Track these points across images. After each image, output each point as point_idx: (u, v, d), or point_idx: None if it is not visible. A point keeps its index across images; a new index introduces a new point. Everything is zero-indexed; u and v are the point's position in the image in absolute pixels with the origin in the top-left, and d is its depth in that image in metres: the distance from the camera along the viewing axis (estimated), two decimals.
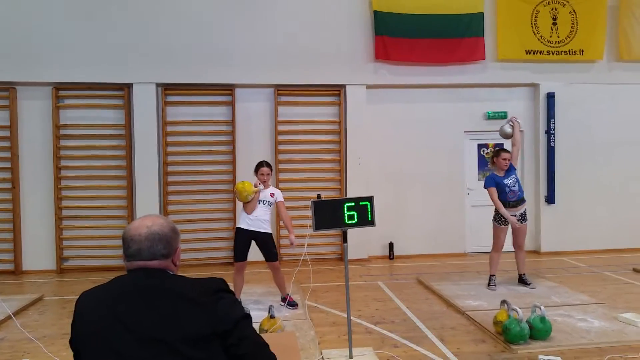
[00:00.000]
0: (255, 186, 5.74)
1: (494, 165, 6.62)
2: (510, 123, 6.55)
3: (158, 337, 1.64)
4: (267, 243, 5.81)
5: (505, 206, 6.36)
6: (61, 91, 8.23)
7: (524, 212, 6.50)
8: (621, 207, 9.15)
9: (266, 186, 5.90)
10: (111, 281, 1.84)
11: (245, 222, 5.74)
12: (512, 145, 6.58)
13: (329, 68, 8.55)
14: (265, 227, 5.79)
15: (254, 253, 5.93)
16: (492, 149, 9.17)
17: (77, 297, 1.83)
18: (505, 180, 6.37)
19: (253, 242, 5.83)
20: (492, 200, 6.38)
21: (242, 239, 5.78)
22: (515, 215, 6.39)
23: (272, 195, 5.89)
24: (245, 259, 5.81)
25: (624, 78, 9.20)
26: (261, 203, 5.78)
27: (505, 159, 6.38)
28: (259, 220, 5.74)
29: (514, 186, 6.36)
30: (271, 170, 5.95)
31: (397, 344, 4.71)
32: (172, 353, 1.63)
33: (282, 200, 5.94)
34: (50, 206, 8.15)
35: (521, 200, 6.43)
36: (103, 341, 1.67)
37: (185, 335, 1.65)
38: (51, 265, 8.16)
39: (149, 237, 1.83)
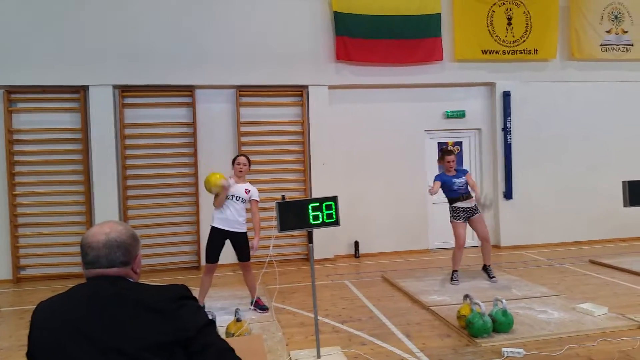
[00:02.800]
0: (226, 182, 5.45)
1: (441, 166, 6.81)
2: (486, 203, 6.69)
3: (118, 347, 1.60)
4: (240, 242, 5.65)
5: (457, 200, 6.63)
6: (13, 94, 7.93)
7: (476, 205, 6.68)
8: (576, 200, 9.48)
9: (242, 180, 5.70)
10: (69, 290, 1.78)
11: (219, 220, 5.56)
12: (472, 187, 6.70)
13: (291, 69, 8.53)
14: (240, 227, 5.62)
15: (221, 255, 5.83)
16: (452, 147, 9.37)
17: (35, 307, 1.77)
18: (455, 179, 6.60)
19: (226, 243, 5.68)
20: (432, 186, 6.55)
21: (216, 239, 5.58)
22: (471, 207, 6.60)
23: (247, 192, 5.62)
24: (217, 261, 5.63)
25: (576, 76, 9.53)
26: (233, 199, 5.54)
27: (449, 162, 6.64)
28: (233, 220, 5.56)
29: (462, 185, 6.58)
30: (249, 162, 5.77)
31: (364, 342, 4.74)
32: None
33: (257, 199, 5.71)
34: (5, 213, 7.85)
35: (470, 194, 6.63)
36: (61, 353, 1.62)
37: (147, 344, 1.61)
38: (7, 274, 7.87)
39: (107, 244, 1.78)
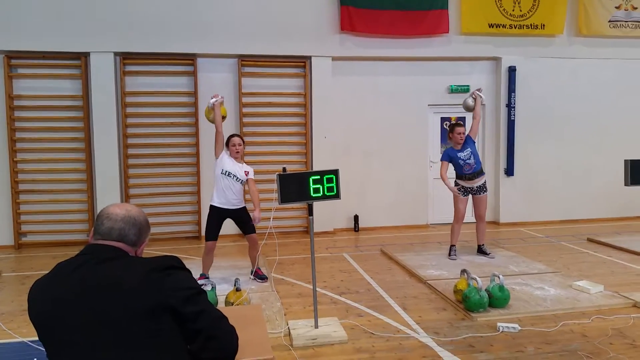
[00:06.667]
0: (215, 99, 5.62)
1: (450, 140, 6.73)
2: (473, 96, 6.66)
3: (106, 317, 1.64)
4: (242, 217, 5.70)
5: (461, 179, 6.58)
6: (13, 60, 7.86)
7: (483, 183, 6.64)
8: (577, 179, 9.47)
9: (240, 161, 5.69)
10: (56, 266, 1.81)
11: (219, 200, 5.60)
12: (473, 117, 6.70)
13: (294, 39, 8.42)
14: (239, 204, 5.68)
15: (222, 226, 5.82)
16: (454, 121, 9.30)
17: (37, 272, 1.81)
18: (460, 153, 6.49)
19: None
20: (440, 173, 6.53)
21: (216, 217, 5.62)
22: (472, 188, 6.56)
23: (246, 173, 5.66)
24: (216, 239, 5.66)
25: (582, 53, 9.41)
26: (233, 179, 5.57)
27: (460, 134, 6.51)
28: (232, 199, 5.59)
29: (469, 159, 6.47)
30: (243, 142, 5.76)
31: (362, 313, 4.80)
32: (124, 331, 1.63)
33: (253, 178, 5.75)
34: (6, 180, 7.87)
35: (478, 173, 6.54)
36: (54, 330, 1.67)
37: (134, 312, 1.64)
38: (8, 240, 7.93)
39: (125, 219, 1.87)
